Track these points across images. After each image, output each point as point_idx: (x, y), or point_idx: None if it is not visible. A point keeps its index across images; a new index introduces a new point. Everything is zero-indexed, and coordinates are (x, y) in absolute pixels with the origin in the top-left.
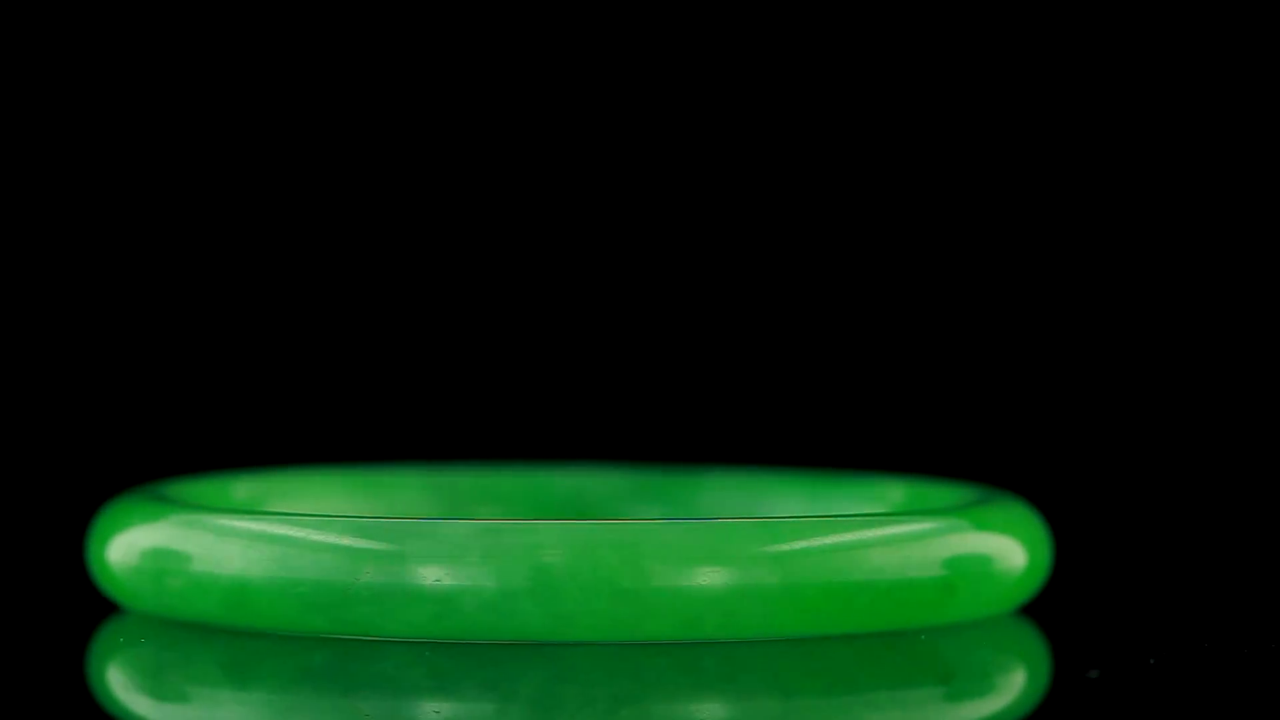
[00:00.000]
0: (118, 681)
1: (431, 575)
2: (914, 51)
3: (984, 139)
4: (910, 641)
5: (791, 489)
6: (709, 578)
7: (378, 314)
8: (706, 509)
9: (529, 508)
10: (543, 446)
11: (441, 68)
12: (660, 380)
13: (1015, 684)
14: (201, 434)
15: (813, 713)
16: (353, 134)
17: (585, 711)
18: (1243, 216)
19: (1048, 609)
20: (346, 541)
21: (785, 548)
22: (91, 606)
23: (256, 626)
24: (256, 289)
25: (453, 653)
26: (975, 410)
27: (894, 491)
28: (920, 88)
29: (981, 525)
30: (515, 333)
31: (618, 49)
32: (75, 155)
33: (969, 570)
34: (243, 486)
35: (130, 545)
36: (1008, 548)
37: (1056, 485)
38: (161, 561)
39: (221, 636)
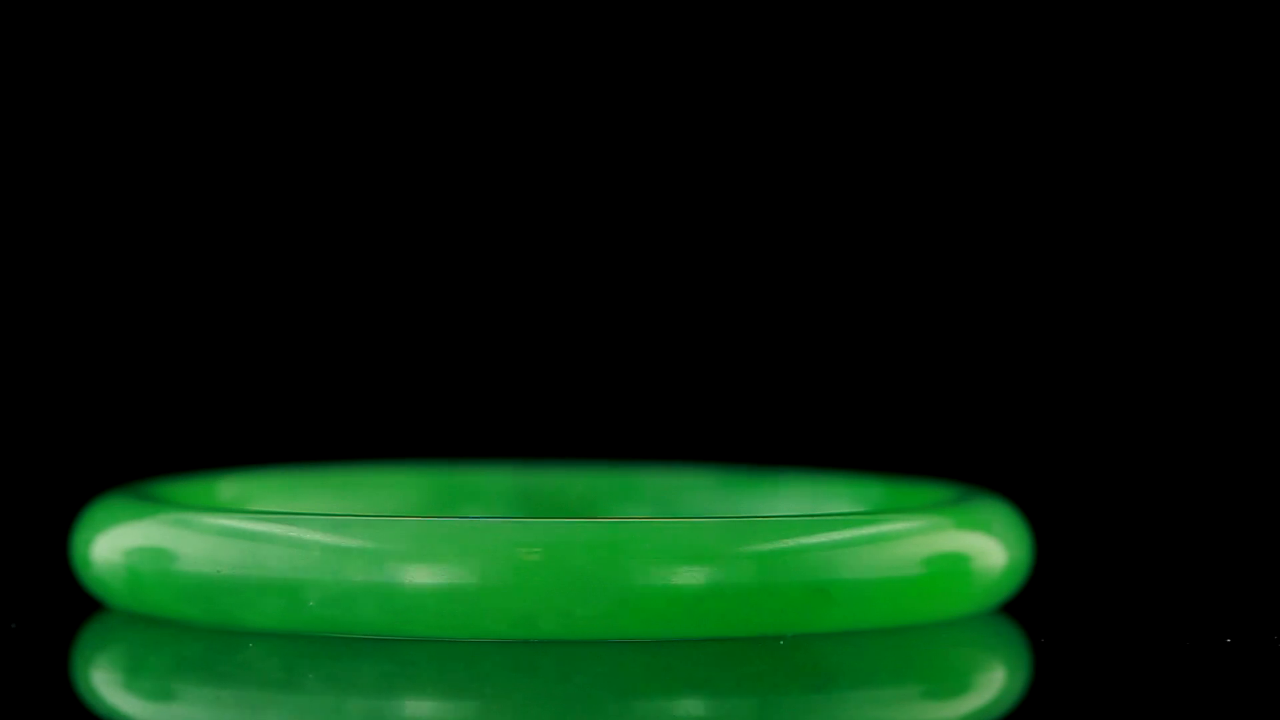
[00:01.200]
0: (101, 679)
1: (278, 567)
2: (912, 52)
3: (973, 143)
4: (779, 645)
5: (853, 491)
6: (543, 575)
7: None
8: (777, 508)
9: (611, 505)
10: (631, 446)
11: (457, 68)
12: (653, 379)
13: (994, 682)
14: (197, 433)
15: (652, 712)
16: (373, 129)
17: (418, 705)
18: (1221, 214)
19: (1028, 607)
20: (215, 532)
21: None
22: (77, 605)
23: (154, 617)
24: (255, 289)
25: (303, 645)
26: (955, 409)
27: (873, 490)
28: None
29: (961, 523)
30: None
31: (631, 49)
32: (66, 156)
33: (948, 568)
34: (229, 486)
35: (111, 543)
36: (987, 546)
37: (1037, 483)
38: (138, 559)
39: (131, 626)
